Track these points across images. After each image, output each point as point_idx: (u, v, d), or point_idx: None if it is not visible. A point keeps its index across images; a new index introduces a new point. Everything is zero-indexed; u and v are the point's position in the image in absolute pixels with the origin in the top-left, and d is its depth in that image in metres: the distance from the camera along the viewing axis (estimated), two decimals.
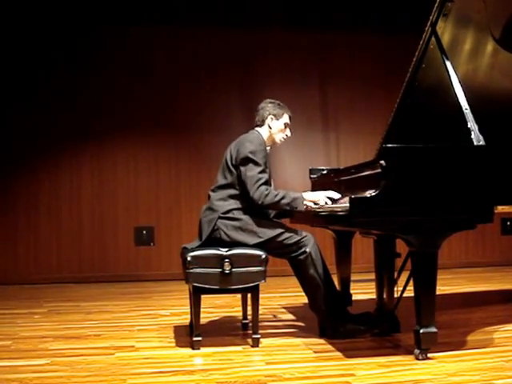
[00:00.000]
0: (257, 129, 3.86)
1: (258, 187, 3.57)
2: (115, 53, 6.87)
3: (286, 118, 3.86)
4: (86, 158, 6.85)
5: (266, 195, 3.56)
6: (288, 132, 3.90)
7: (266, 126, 3.84)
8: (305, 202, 3.56)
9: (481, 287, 5.80)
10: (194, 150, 6.97)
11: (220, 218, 3.63)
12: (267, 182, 3.65)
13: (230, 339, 3.73)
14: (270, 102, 3.88)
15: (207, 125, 6.96)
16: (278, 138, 3.86)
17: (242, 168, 3.62)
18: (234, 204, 3.67)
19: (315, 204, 3.58)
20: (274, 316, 4.45)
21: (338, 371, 2.98)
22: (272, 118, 3.82)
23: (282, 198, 3.56)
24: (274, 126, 3.83)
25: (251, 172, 3.60)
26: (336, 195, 3.60)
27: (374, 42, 7.21)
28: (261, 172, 3.61)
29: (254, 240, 3.58)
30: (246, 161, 3.62)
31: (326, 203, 3.56)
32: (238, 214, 3.64)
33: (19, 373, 3.02)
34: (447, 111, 3.53)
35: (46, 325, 4.28)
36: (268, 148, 3.82)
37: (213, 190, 3.76)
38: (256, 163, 3.62)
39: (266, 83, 7.00)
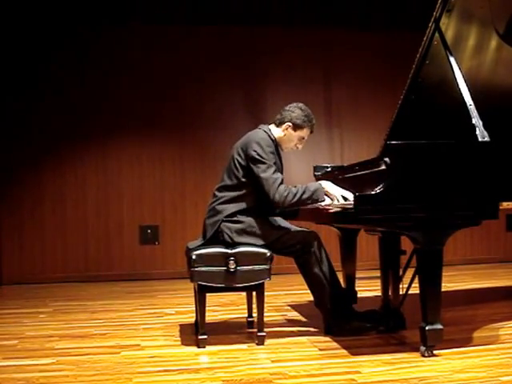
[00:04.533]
0: (270, 126, 3.77)
1: (276, 188, 3.50)
2: (118, 52, 6.87)
3: (304, 133, 3.75)
4: (90, 158, 6.86)
5: (286, 196, 3.48)
6: (299, 145, 3.79)
7: (280, 129, 3.74)
8: (326, 189, 3.48)
9: (486, 284, 5.78)
10: (199, 148, 6.97)
11: (224, 221, 3.60)
12: (283, 181, 3.57)
13: (236, 337, 3.73)
14: (300, 109, 3.73)
15: (211, 123, 6.96)
16: (286, 145, 3.77)
17: (255, 170, 3.55)
18: (238, 206, 3.62)
19: (330, 198, 3.51)
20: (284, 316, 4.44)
21: (344, 369, 2.97)
22: (289, 126, 3.71)
23: (303, 193, 3.48)
24: (288, 134, 3.73)
25: (265, 174, 3.53)
26: (351, 196, 3.48)
27: (377, 39, 7.19)
28: (274, 172, 3.55)
29: (259, 242, 3.57)
30: (257, 162, 3.55)
31: (337, 203, 3.48)
32: (241, 217, 3.60)
33: (25, 372, 3.03)
34: (451, 107, 3.52)
35: (52, 324, 4.29)
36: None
37: (218, 190, 3.72)
38: (267, 164, 3.54)
39: (268, 81, 7.01)
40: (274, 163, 3.60)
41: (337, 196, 3.49)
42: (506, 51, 3.77)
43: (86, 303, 5.22)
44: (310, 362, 3.13)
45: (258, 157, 3.56)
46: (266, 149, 3.59)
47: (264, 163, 3.55)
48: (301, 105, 3.78)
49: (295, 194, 3.49)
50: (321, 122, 7.18)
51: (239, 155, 3.66)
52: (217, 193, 3.73)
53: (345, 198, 3.49)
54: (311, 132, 3.79)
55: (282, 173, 3.70)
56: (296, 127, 3.72)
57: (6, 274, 6.64)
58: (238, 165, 3.65)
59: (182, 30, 6.95)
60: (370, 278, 5.32)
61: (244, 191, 3.64)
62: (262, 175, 3.54)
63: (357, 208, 3.00)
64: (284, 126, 3.73)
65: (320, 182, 3.60)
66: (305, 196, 3.49)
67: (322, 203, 3.52)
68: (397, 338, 3.58)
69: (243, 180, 3.63)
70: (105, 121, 6.84)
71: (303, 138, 3.79)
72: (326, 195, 3.52)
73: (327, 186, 3.55)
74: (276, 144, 3.73)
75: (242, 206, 3.63)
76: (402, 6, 7.05)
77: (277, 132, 3.75)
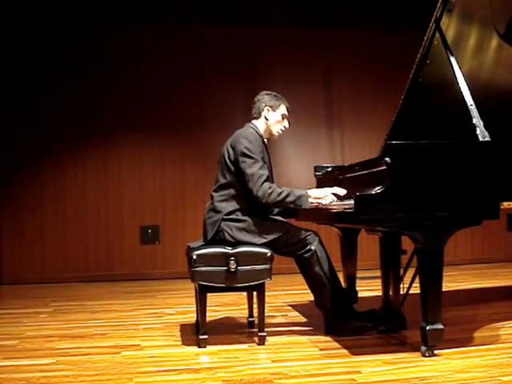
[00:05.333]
0: (253, 122, 3.81)
1: (260, 185, 3.53)
2: (118, 52, 6.88)
3: (283, 109, 3.81)
4: (91, 158, 6.86)
5: (270, 194, 3.52)
6: (286, 123, 3.84)
7: (262, 118, 3.79)
8: (310, 200, 3.54)
9: (487, 283, 5.78)
10: (199, 148, 6.96)
11: (224, 219, 3.60)
12: (269, 178, 3.61)
13: (236, 337, 3.73)
14: (267, 94, 3.83)
15: (212, 123, 6.96)
16: (276, 129, 3.80)
17: (241, 165, 3.58)
18: (236, 204, 3.63)
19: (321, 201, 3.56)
20: (284, 316, 4.44)
21: (344, 368, 2.97)
22: (269, 110, 3.77)
23: (287, 195, 3.51)
24: (271, 117, 3.78)
25: (251, 169, 3.56)
26: (342, 191, 3.57)
27: (377, 39, 7.19)
28: (260, 168, 3.57)
29: (259, 241, 3.57)
30: (244, 158, 3.57)
31: (331, 200, 3.53)
32: (241, 215, 3.61)
33: (25, 372, 3.03)
34: (452, 107, 3.52)
35: (52, 324, 4.29)
36: (265, 140, 3.79)
37: (215, 190, 3.73)
38: (254, 159, 3.57)
39: (269, 80, 6.99)
40: (262, 158, 3.62)
41: (328, 196, 3.52)
42: (507, 51, 3.77)
43: (86, 303, 5.22)
44: (311, 361, 3.13)
45: (246, 151, 3.58)
46: (254, 143, 3.63)
47: (251, 158, 3.58)
48: (264, 91, 3.87)
49: (279, 194, 3.51)
50: (321, 122, 7.21)
51: (229, 153, 3.68)
52: (213, 193, 3.73)
53: (337, 195, 3.54)
54: (288, 109, 3.83)
55: (270, 170, 3.73)
56: (274, 108, 3.78)
57: (6, 274, 6.64)
58: (229, 163, 3.66)
59: (183, 30, 6.95)
60: (370, 277, 5.32)
61: (240, 188, 3.64)
62: (248, 170, 3.56)
63: (357, 208, 3.00)
64: (264, 112, 3.78)
65: (307, 190, 3.61)
66: (288, 199, 3.52)
67: (324, 202, 3.52)
68: (397, 337, 3.58)
69: (237, 176, 3.63)
70: (105, 121, 6.84)
71: (285, 116, 3.82)
72: (317, 199, 3.53)
73: (313, 192, 3.57)
74: (263, 140, 3.75)
75: (240, 203, 3.64)
76: (402, 5, 7.05)
77: (261, 123, 3.80)
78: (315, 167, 4.57)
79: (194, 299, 4.00)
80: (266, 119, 3.78)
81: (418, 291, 3.13)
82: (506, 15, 3.70)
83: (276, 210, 3.89)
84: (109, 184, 6.88)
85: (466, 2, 3.49)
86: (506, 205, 3.28)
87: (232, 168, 3.65)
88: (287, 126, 3.86)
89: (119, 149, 6.92)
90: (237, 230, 3.58)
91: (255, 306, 3.66)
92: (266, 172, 3.60)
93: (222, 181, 3.70)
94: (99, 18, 6.77)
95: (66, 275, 6.68)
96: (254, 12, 6.99)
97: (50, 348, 3.55)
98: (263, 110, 3.78)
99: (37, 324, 4.32)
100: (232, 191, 3.66)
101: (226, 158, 3.68)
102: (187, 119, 6.97)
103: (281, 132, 3.85)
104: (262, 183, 3.54)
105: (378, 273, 3.90)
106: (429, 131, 3.55)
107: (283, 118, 3.82)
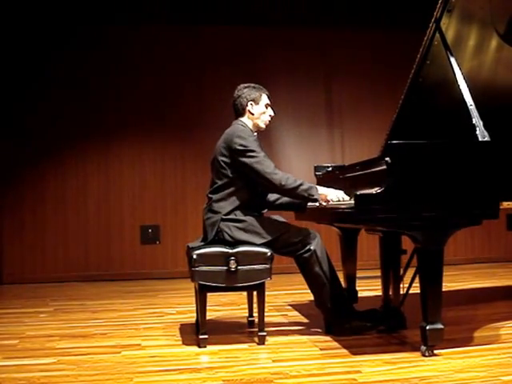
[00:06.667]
0: (240, 119, 3.77)
1: (274, 173, 3.50)
2: (119, 52, 6.88)
3: (265, 99, 3.77)
4: (92, 158, 6.87)
5: (287, 178, 3.49)
6: (271, 111, 3.79)
7: (247, 114, 3.75)
8: (319, 192, 3.51)
9: (487, 283, 5.78)
10: (200, 147, 6.95)
11: (223, 219, 3.59)
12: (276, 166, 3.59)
13: (236, 337, 3.73)
14: (245, 87, 3.78)
15: (212, 123, 6.91)
16: (263, 121, 3.76)
17: (246, 160, 3.54)
18: (233, 203, 3.61)
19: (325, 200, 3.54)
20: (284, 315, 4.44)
21: (345, 368, 2.97)
22: (252, 104, 3.73)
23: (301, 183, 3.50)
24: (256, 111, 3.74)
25: (258, 159, 3.52)
26: (345, 198, 3.55)
27: (377, 39, 7.20)
28: (265, 157, 3.56)
29: (259, 241, 3.55)
30: (246, 153, 3.54)
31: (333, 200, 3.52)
32: (240, 215, 3.60)
33: (26, 372, 3.03)
34: (452, 107, 3.52)
35: (53, 324, 4.30)
36: (255, 134, 3.76)
37: (211, 192, 3.71)
38: (255, 151, 3.55)
39: (269, 80, 6.96)
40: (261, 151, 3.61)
41: (334, 197, 3.51)
42: (507, 51, 3.77)
43: (86, 303, 5.23)
44: (311, 361, 3.13)
45: (243, 148, 3.56)
46: (249, 138, 3.60)
47: (253, 151, 3.55)
48: (241, 85, 3.82)
49: (295, 180, 3.50)
50: (322, 122, 7.20)
51: (223, 154, 3.64)
52: (210, 195, 3.72)
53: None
54: (269, 97, 3.80)
55: None
56: (256, 100, 3.75)
57: (6, 274, 6.65)
58: (223, 164, 3.63)
59: (183, 30, 6.96)
60: (370, 277, 5.32)
61: (236, 187, 3.62)
62: (256, 161, 3.53)
63: (357, 208, 3.00)
64: (248, 107, 3.74)
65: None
66: (303, 187, 3.50)
67: (329, 198, 3.51)
68: (397, 337, 3.58)
69: (233, 176, 3.61)
70: (106, 121, 6.85)
71: (269, 104, 3.79)
72: (323, 195, 3.53)
73: (320, 189, 3.56)
74: (254, 135, 3.73)
75: (237, 202, 3.62)
76: (402, 5, 7.05)
77: (247, 119, 3.77)
78: (315, 167, 4.57)
79: (194, 299, 4.00)
80: (252, 114, 3.74)
81: (418, 291, 3.14)
82: (506, 15, 3.70)
83: (281, 200, 3.86)
84: (109, 184, 6.89)
85: (466, 3, 3.50)
86: (505, 205, 3.28)
87: (228, 169, 3.62)
88: (272, 113, 3.82)
89: (120, 149, 6.92)
90: (236, 230, 3.58)
91: (255, 305, 3.66)
92: (272, 161, 3.58)
93: (219, 182, 3.67)
94: (99, 18, 6.77)
95: (67, 275, 6.69)
96: (254, 12, 7.00)
97: (50, 348, 3.55)
98: (247, 106, 3.74)
99: (37, 323, 4.32)
100: (229, 191, 3.63)
101: (220, 161, 3.65)
102: (188, 119, 6.98)
103: (268, 122, 3.81)
104: (274, 170, 3.52)
105: (378, 273, 3.91)
106: (429, 131, 3.55)
107: (267, 107, 3.78)
